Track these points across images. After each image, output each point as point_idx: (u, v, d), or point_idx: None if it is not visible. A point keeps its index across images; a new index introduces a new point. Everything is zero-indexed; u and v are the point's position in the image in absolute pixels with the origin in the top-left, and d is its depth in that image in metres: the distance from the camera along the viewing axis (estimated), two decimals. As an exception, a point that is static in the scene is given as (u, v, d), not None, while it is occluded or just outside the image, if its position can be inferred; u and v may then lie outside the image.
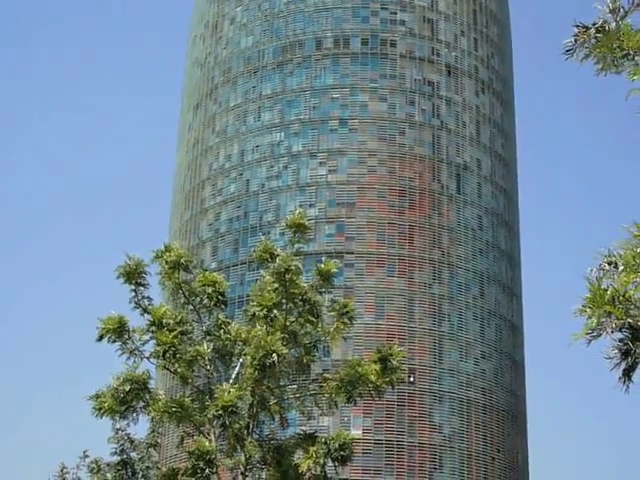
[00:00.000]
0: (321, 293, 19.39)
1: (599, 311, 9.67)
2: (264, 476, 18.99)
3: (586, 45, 12.07)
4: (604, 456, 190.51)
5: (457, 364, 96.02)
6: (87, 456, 35.40)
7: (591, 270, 11.15)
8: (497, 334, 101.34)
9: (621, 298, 10.49)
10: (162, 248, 20.43)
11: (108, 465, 33.97)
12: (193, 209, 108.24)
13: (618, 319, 10.59)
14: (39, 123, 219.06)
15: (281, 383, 19.30)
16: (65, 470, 35.81)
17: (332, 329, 19.24)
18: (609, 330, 10.93)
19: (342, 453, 18.49)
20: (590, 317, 10.14)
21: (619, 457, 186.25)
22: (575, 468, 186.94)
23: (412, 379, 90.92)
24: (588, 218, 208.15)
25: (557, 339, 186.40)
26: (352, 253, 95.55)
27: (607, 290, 10.69)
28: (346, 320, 19.33)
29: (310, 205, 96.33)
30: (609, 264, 11.32)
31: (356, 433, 73.09)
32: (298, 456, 18.87)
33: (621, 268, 10.86)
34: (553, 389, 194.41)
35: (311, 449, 18.46)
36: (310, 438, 19.17)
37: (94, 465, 34.40)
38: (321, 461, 18.34)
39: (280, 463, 18.60)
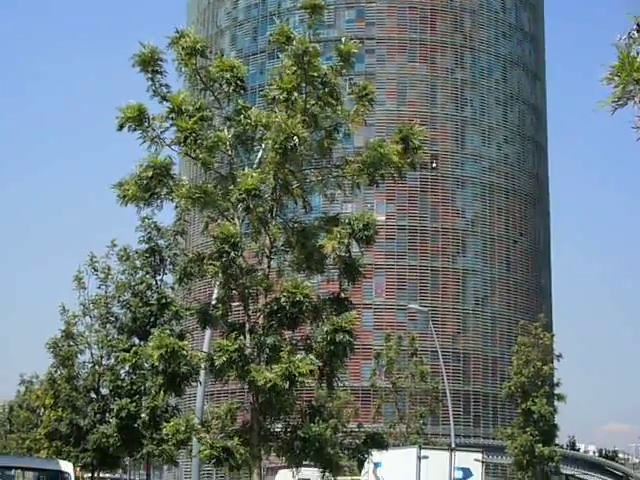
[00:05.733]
0: (341, 75, 18.93)
1: (628, 78, 9.32)
2: (288, 259, 19.12)
3: None
4: (624, 240, 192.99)
5: (479, 149, 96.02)
6: (115, 245, 36.04)
7: (620, 37, 10.69)
8: (520, 118, 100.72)
9: (651, 65, 10.13)
10: (177, 35, 19.85)
11: (136, 253, 34.63)
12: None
13: (647, 87, 10.26)
14: None
15: (303, 167, 19.13)
16: (95, 259, 36.59)
17: (352, 112, 18.86)
18: (637, 99, 10.57)
19: (366, 233, 18.43)
20: (617, 85, 9.79)
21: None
22: (595, 249, 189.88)
23: (435, 165, 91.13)
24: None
25: (580, 122, 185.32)
26: (373, 39, 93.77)
27: (637, 57, 10.31)
28: (366, 102, 18.89)
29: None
30: (639, 31, 10.86)
31: (380, 219, 73.94)
32: (322, 239, 18.93)
33: (651, 35, 10.46)
34: (575, 172, 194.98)
35: (335, 230, 18.47)
36: (334, 220, 19.17)
37: (123, 253, 35.08)
38: (345, 241, 18.35)
39: (304, 245, 18.64)
